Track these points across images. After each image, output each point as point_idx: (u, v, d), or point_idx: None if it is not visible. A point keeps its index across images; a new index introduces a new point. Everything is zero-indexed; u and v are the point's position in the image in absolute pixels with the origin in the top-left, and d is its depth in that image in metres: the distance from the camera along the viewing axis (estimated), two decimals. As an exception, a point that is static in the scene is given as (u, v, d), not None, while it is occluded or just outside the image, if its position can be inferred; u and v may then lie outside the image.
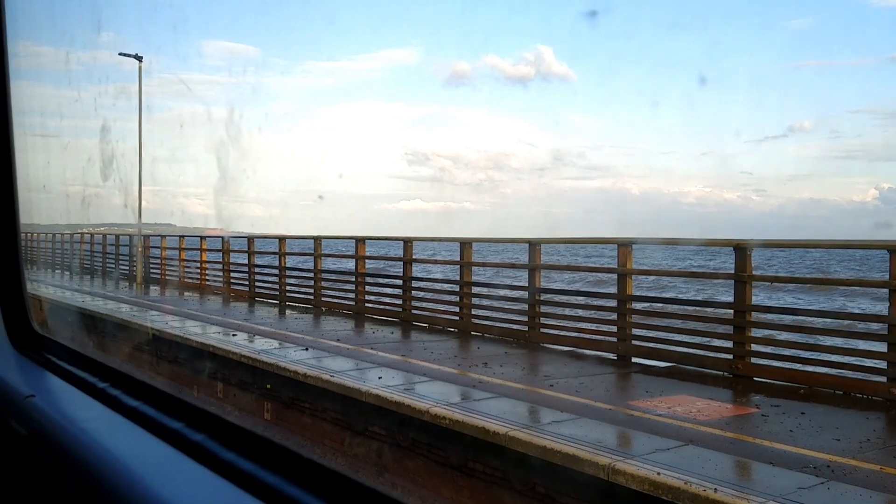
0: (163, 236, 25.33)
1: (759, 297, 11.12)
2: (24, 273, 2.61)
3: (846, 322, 11.17)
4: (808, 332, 9.26)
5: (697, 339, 9.78)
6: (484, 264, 14.98)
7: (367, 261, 15.80)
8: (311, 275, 17.05)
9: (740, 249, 9.07)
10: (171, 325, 13.71)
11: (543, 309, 11.63)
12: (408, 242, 14.33)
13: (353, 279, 15.69)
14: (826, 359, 8.44)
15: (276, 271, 18.37)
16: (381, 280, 15.86)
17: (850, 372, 8.26)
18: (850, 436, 6.53)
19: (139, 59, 23.27)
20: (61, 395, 2.10)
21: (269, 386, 9.77)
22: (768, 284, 20.02)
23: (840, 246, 12.98)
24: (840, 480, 5.33)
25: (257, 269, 19.25)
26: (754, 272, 9.35)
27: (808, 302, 26.78)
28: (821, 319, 10.20)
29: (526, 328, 11.72)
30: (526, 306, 11.86)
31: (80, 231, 31.35)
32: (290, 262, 18.35)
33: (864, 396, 7.89)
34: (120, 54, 22.80)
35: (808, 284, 29.14)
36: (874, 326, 9.19)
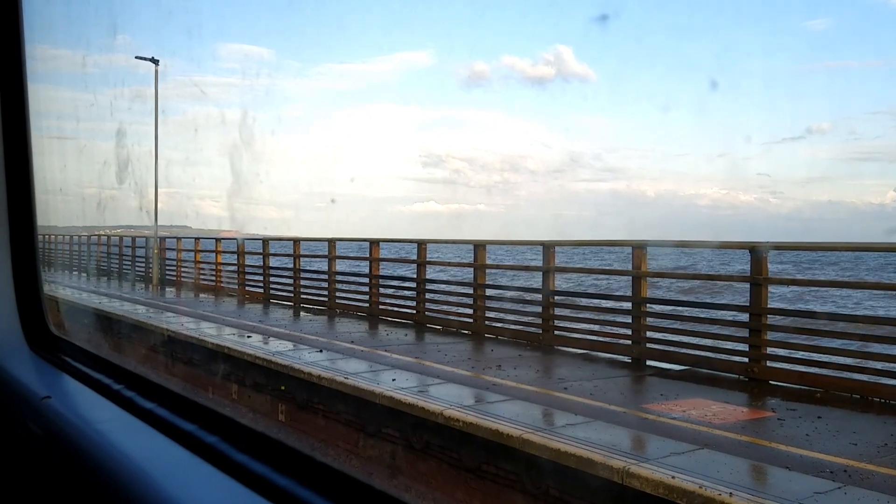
0: (178, 238, 25.48)
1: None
2: (41, 275, 2.63)
3: (863, 325, 11.03)
4: (824, 335, 9.15)
5: (712, 343, 9.71)
6: (499, 266, 14.96)
7: (380, 263, 15.83)
8: (326, 277, 17.11)
9: (756, 252, 9.02)
10: (187, 326, 13.79)
11: (557, 311, 11.60)
12: (422, 245, 14.34)
13: (368, 281, 15.73)
14: (843, 362, 8.36)
15: (291, 273, 18.46)
16: (394, 282, 15.88)
17: (867, 376, 8.17)
18: (867, 440, 6.46)
19: (155, 62, 23.45)
20: (77, 397, 2.11)
21: (283, 388, 9.80)
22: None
23: (858, 248, 12.82)
24: (857, 485, 5.27)
25: (272, 272, 19.34)
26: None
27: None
28: (838, 323, 10.08)
29: (540, 331, 11.69)
30: (540, 308, 11.84)
31: (96, 233, 31.62)
32: (305, 264, 18.42)
33: (882, 400, 7.81)
34: (136, 58, 22.99)
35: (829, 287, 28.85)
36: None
